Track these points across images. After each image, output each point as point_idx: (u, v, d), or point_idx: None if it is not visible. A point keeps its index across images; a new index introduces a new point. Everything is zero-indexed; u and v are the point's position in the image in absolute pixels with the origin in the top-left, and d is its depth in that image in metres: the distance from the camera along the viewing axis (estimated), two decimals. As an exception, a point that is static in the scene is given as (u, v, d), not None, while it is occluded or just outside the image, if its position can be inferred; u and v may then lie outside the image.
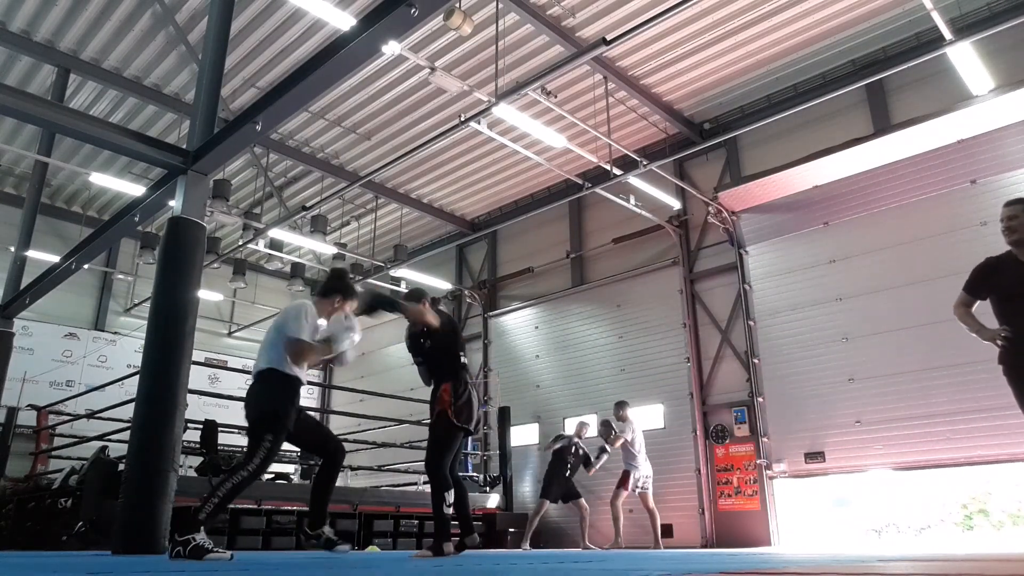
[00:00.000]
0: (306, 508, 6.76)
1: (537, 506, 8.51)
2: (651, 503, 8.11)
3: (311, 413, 4.40)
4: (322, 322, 4.05)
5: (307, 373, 4.09)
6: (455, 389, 4.23)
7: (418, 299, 4.45)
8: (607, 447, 8.38)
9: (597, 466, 8.51)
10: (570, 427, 10.25)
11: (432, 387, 4.36)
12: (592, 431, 8.93)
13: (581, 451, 8.54)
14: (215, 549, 3.45)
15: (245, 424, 3.87)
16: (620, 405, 8.43)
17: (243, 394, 4.09)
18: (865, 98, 8.75)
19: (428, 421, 4.45)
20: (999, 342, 3.63)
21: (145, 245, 11.27)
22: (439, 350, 4.37)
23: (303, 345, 3.82)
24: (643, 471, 8.08)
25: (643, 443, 8.21)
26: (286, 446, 4.26)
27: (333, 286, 4.12)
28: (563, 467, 8.42)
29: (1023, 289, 3.70)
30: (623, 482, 8.05)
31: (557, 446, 8.51)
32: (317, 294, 4.17)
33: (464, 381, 4.31)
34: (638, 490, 8.06)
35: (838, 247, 8.74)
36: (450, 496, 4.11)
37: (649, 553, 6.05)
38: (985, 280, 3.94)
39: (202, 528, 3.47)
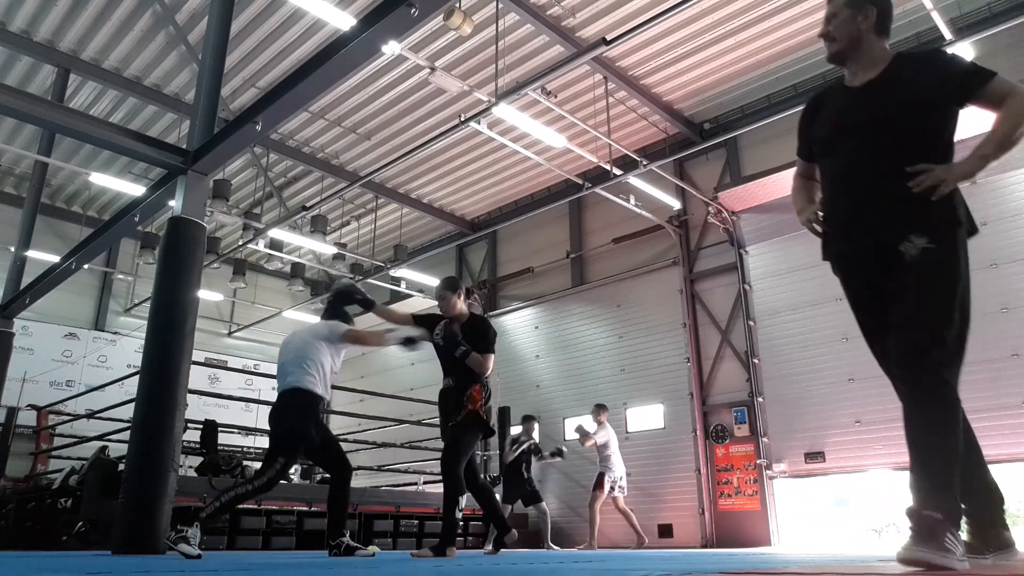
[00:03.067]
0: (306, 508, 6.80)
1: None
2: (622, 505, 8.36)
3: (329, 429, 4.50)
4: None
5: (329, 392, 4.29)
6: (485, 392, 4.20)
7: (454, 288, 4.39)
8: (564, 451, 8.74)
9: (547, 460, 8.79)
10: (570, 429, 10.22)
11: (453, 385, 4.25)
12: (537, 429, 9.08)
13: (532, 445, 8.65)
14: (192, 543, 3.60)
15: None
16: (599, 409, 8.67)
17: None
18: (865, 98, 8.73)
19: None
20: (815, 225, 2.43)
21: (145, 245, 11.27)
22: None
23: (360, 333, 4.41)
24: (617, 472, 8.30)
25: (617, 446, 8.47)
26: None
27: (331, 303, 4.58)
28: (519, 467, 8.49)
29: (844, 124, 2.30)
30: (598, 484, 8.28)
31: (517, 452, 8.55)
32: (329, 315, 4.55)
33: (487, 384, 4.29)
34: (615, 492, 8.27)
35: (838, 247, 8.72)
36: (462, 501, 4.11)
37: (649, 553, 6.05)
38: (807, 129, 2.66)
39: (196, 524, 3.67)
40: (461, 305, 4.36)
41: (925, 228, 2.02)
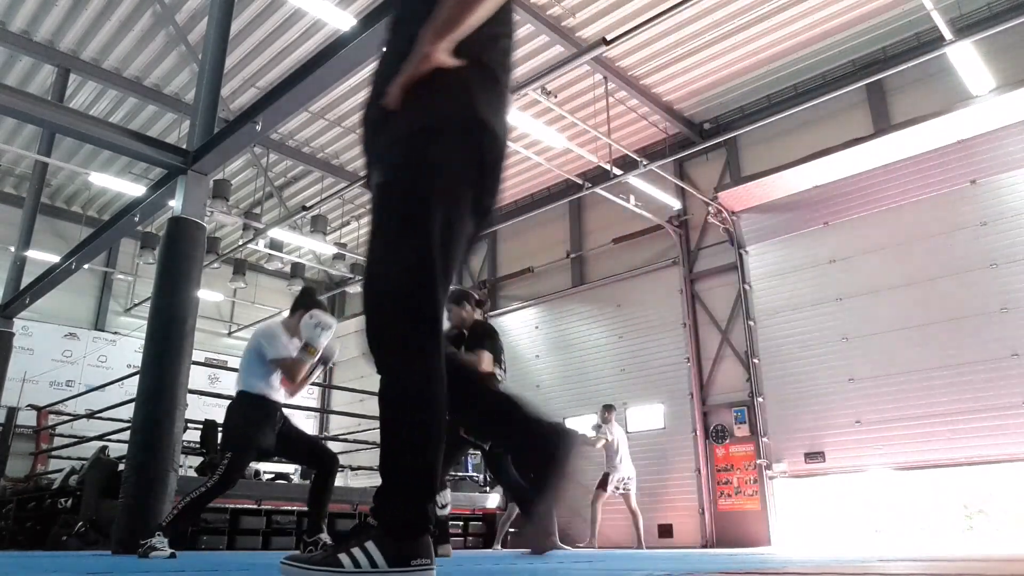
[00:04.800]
0: (306, 508, 6.79)
1: (508, 510, 8.57)
2: (633, 504, 8.33)
3: (300, 428, 4.41)
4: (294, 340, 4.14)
5: (286, 393, 4.15)
6: None
7: (458, 301, 4.41)
8: None
9: None
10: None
11: None
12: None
13: None
14: (161, 548, 3.66)
15: None
16: (607, 408, 8.67)
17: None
18: (865, 98, 8.75)
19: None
20: None
21: (145, 245, 11.27)
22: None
23: (290, 362, 3.98)
24: (622, 473, 8.27)
25: (626, 446, 8.45)
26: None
27: (296, 302, 4.26)
28: None
29: None
30: (602, 483, 8.29)
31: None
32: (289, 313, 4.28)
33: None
34: (619, 492, 8.26)
35: (838, 247, 8.74)
36: (443, 497, 4.07)
37: (649, 553, 6.05)
38: None
39: (158, 533, 3.72)
40: (468, 315, 4.38)
41: (384, 151, 1.54)
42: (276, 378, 4.04)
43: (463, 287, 4.67)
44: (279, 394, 4.12)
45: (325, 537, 4.12)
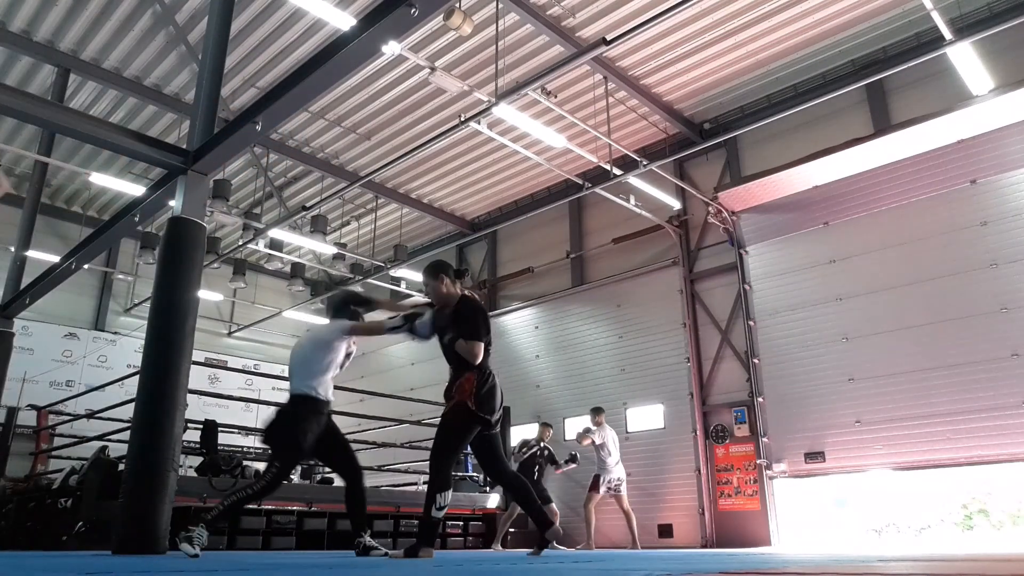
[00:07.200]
0: (306, 508, 6.81)
1: (509, 510, 8.56)
2: (626, 505, 8.37)
3: (340, 431, 4.43)
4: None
5: (331, 392, 4.28)
6: (478, 379, 3.83)
7: (434, 275, 4.04)
8: (578, 456, 8.69)
9: (564, 469, 8.73)
10: (571, 429, 10.27)
11: (451, 376, 3.97)
12: (553, 433, 9.07)
13: (547, 452, 8.62)
14: (195, 543, 3.66)
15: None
16: (596, 411, 8.77)
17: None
18: (865, 98, 8.75)
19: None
20: None
21: (145, 245, 11.26)
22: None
23: (364, 325, 4.28)
24: (614, 474, 8.35)
25: (617, 448, 8.53)
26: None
27: (343, 304, 4.47)
28: (531, 470, 8.38)
29: None
30: (593, 485, 8.39)
31: (526, 455, 8.51)
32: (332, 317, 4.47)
33: (488, 372, 3.92)
34: (611, 493, 8.34)
35: (838, 247, 8.74)
36: (443, 498, 3.77)
37: (649, 553, 6.05)
38: None
39: (201, 524, 3.71)
40: (449, 289, 4.02)
41: None
42: (330, 375, 4.20)
43: (441, 260, 4.38)
44: (329, 392, 4.22)
45: (365, 539, 4.16)
